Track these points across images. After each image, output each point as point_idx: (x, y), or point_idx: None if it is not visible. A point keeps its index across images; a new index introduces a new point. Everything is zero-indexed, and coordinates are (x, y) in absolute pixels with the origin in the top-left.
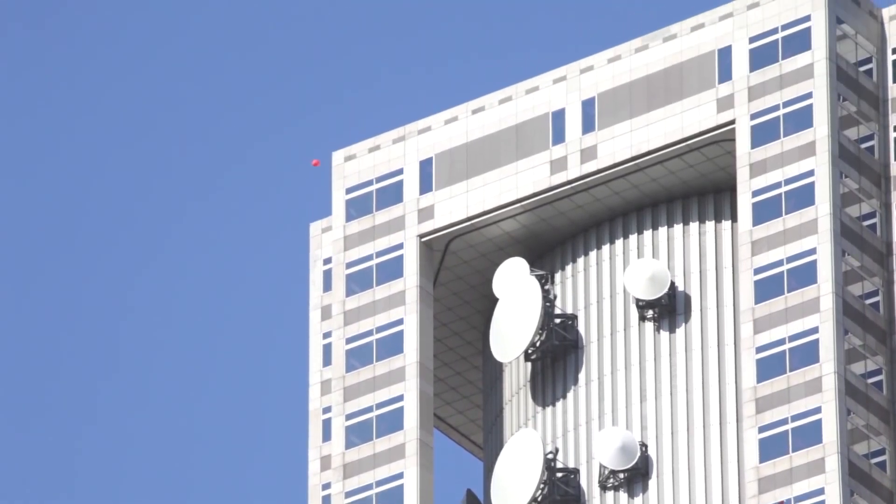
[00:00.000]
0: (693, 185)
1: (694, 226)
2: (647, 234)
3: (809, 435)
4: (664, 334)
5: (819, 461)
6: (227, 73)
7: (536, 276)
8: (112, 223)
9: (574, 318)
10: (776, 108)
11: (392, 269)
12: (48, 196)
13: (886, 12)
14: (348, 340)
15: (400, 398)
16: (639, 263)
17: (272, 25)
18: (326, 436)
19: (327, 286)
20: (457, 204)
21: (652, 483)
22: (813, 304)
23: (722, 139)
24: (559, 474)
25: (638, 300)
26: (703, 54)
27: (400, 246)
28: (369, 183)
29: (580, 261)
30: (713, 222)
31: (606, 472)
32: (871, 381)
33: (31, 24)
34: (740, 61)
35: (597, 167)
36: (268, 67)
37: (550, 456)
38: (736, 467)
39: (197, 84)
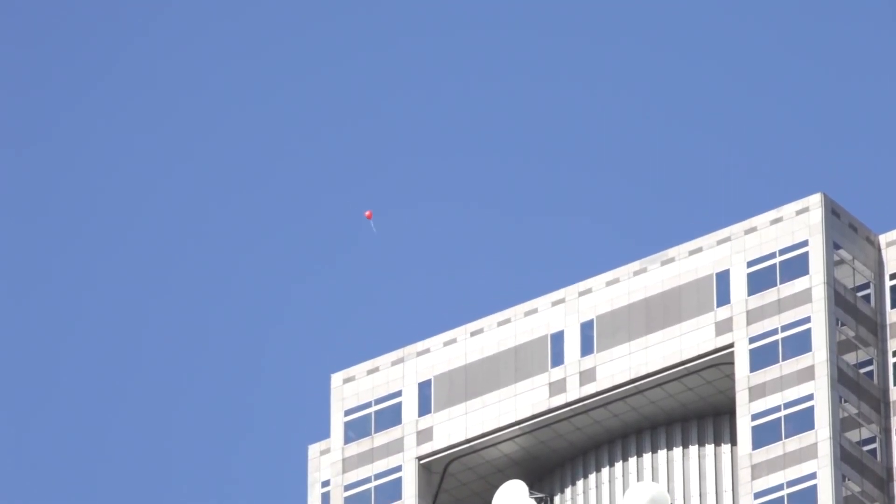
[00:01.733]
0: (692, 408)
1: (693, 449)
2: (647, 456)
3: None
4: None
5: None
6: (226, 298)
7: (536, 499)
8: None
9: None
10: (775, 331)
11: (390, 492)
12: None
13: (883, 238)
14: None
15: None
16: (638, 486)
17: (267, 258)
18: None
19: None
20: (455, 426)
21: None
22: None
23: (721, 362)
24: None
25: None
26: (701, 278)
27: (398, 468)
28: (368, 405)
29: (580, 483)
30: (713, 445)
31: None
32: None
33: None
34: (738, 285)
35: (596, 389)
36: (268, 291)
37: None
38: None
39: (194, 307)
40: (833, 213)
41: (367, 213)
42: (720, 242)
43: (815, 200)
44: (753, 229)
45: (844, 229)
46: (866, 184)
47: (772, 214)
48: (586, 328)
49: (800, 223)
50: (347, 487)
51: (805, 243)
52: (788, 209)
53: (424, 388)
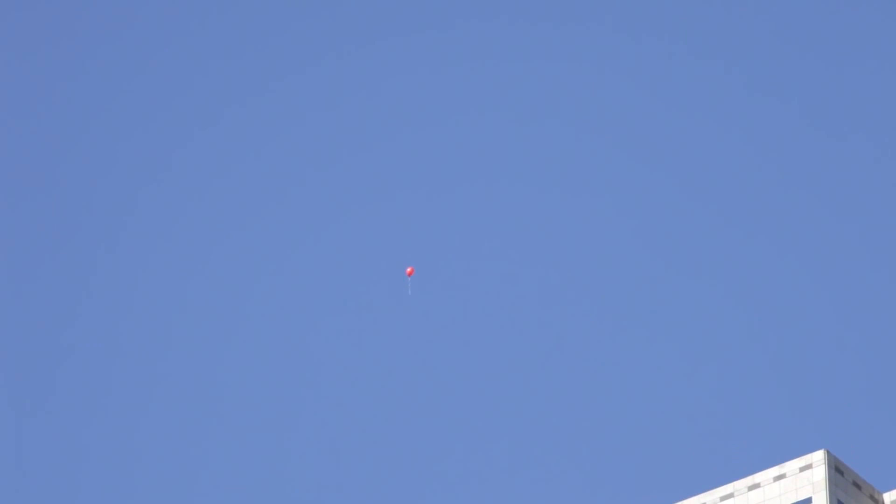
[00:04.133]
0: None
1: None
2: None
3: None
4: None
5: None
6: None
7: None
8: None
9: None
10: None
11: None
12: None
13: (888, 496)
14: None
15: None
16: None
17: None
18: None
19: None
20: None
21: None
22: None
23: None
24: None
25: None
26: None
27: None
28: None
29: None
30: None
31: None
32: None
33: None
34: None
35: None
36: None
37: None
38: None
39: None
40: (837, 470)
41: (409, 269)
42: (724, 499)
43: (818, 457)
44: (757, 485)
45: (848, 486)
46: (870, 441)
47: (775, 471)
48: None
49: (803, 480)
50: None
51: (809, 500)
52: (792, 465)
53: None
